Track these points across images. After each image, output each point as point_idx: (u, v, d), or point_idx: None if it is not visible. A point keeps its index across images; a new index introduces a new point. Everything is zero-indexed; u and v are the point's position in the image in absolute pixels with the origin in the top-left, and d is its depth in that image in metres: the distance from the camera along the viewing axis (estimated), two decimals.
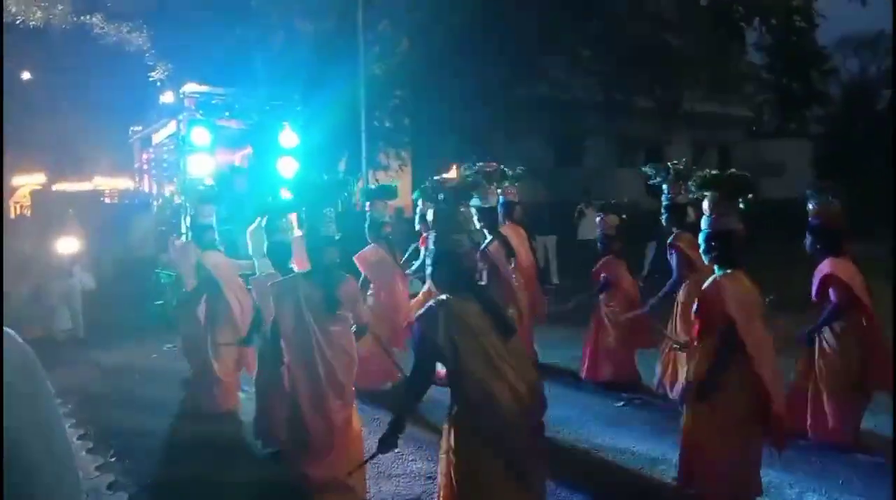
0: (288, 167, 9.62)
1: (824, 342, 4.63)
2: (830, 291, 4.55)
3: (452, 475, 2.75)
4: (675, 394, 5.24)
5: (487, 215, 5.87)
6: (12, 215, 12.08)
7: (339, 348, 3.80)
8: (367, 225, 6.32)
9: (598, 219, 6.56)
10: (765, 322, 3.55)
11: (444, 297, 2.80)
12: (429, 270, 2.93)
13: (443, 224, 2.94)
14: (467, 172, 5.96)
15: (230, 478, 4.51)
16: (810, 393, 4.67)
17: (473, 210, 5.65)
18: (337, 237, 3.96)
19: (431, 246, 2.89)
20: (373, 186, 6.79)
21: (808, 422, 4.67)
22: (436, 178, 6.06)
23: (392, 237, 6.50)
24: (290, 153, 9.74)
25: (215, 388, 5.70)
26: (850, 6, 14.87)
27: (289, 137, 9.81)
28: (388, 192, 6.52)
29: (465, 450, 2.73)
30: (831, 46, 25.12)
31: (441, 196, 4.02)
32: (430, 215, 2.98)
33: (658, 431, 5.08)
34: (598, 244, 6.49)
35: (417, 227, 6.49)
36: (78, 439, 5.35)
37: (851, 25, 21.77)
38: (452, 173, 3.85)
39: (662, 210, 5.60)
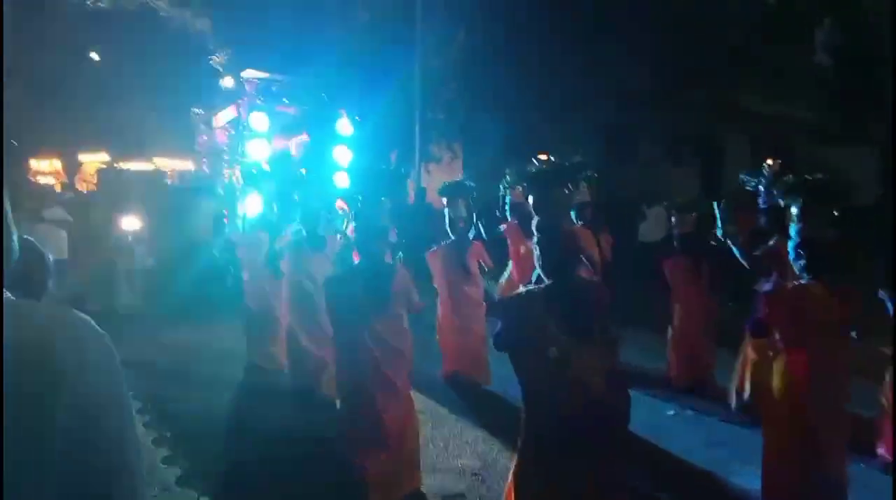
0: (343, 156, 9.72)
1: None
2: None
3: (512, 479, 2.74)
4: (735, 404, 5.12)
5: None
6: (81, 190, 12.50)
7: (389, 344, 3.75)
8: (447, 222, 6.23)
9: (672, 219, 6.40)
10: (835, 340, 3.35)
11: (532, 287, 2.73)
12: (537, 260, 2.80)
13: (543, 208, 2.90)
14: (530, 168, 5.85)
15: (284, 461, 4.54)
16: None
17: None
18: (391, 229, 3.92)
19: (536, 232, 2.78)
20: (449, 182, 6.68)
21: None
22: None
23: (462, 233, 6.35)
24: (345, 142, 9.84)
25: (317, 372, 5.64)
26: None
27: (345, 125, 9.90)
28: (466, 189, 6.40)
29: (528, 458, 2.69)
30: None
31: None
32: (530, 199, 2.88)
33: (712, 443, 4.96)
34: (675, 243, 6.28)
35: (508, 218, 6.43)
36: (135, 412, 5.53)
37: None
38: (545, 158, 3.80)
39: (760, 215, 5.35)
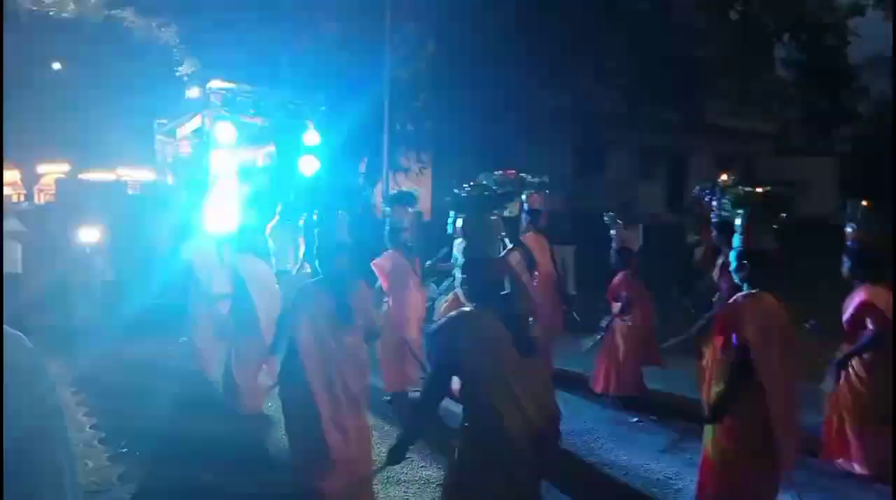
0: (309, 166, 9.65)
1: (852, 373, 4.48)
2: (868, 319, 4.38)
3: (450, 492, 2.74)
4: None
5: (509, 225, 5.74)
6: (37, 202, 12.22)
7: (355, 359, 3.72)
8: (387, 231, 6.29)
9: (612, 232, 6.40)
10: (792, 348, 3.40)
11: (465, 309, 2.76)
12: (457, 279, 2.86)
13: (472, 233, 2.87)
14: (486, 181, 5.89)
15: (238, 482, 4.43)
16: (835, 421, 4.58)
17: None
18: (349, 243, 3.83)
19: (460, 255, 2.82)
20: (393, 192, 6.76)
21: (829, 449, 4.59)
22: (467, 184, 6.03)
23: (411, 243, 6.44)
24: (312, 152, 9.77)
25: (238, 392, 5.67)
26: (885, 25, 14.64)
27: (312, 135, 9.84)
28: (408, 198, 6.48)
29: (467, 471, 2.68)
30: (863, 65, 24.72)
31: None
32: (458, 223, 2.91)
33: (672, 450, 5.00)
34: (612, 258, 6.36)
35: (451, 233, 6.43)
36: (90, 428, 5.39)
37: (884, 44, 21.42)
38: (480, 181, 3.78)
39: (713, 228, 5.41)
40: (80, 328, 8.58)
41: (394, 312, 6.05)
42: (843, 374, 4.52)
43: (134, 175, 12.94)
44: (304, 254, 4.24)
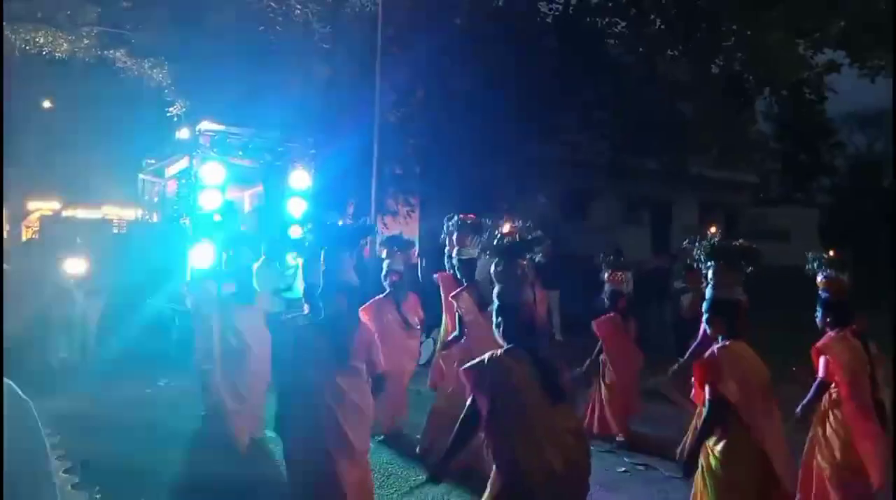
0: (297, 207, 9.69)
1: (828, 424, 4.43)
2: (819, 365, 4.39)
3: None
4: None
5: (467, 267, 5.80)
6: (23, 239, 12.11)
7: (351, 402, 3.61)
8: (383, 274, 6.39)
9: (606, 275, 6.53)
10: (770, 394, 3.44)
11: (497, 351, 2.86)
12: (495, 322, 2.99)
13: (505, 278, 3.01)
14: (448, 224, 5.97)
15: None
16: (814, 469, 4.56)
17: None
18: (354, 284, 3.79)
19: (495, 299, 2.98)
20: (387, 235, 6.82)
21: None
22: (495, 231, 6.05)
23: (398, 286, 6.46)
24: (300, 194, 9.81)
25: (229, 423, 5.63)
26: (860, 83, 15.12)
27: (300, 177, 9.90)
28: (403, 243, 6.55)
29: None
30: (839, 120, 25.48)
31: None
32: (492, 268, 3.04)
33: (661, 499, 4.95)
34: (606, 300, 6.48)
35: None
36: (64, 472, 5.22)
37: (859, 100, 22.10)
38: (507, 228, 3.84)
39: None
40: (59, 368, 8.43)
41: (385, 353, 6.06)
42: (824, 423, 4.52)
43: (120, 213, 12.89)
44: (304, 293, 4.20)
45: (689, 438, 5.14)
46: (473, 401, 2.86)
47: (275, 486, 4.64)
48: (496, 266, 3.08)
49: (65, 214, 12.09)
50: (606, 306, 6.47)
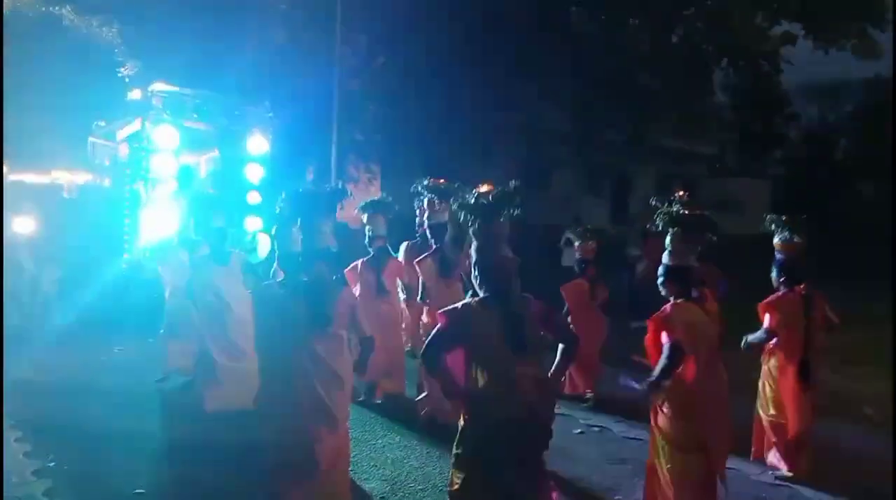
0: (255, 173, 9.50)
1: (768, 371, 4.91)
2: (765, 317, 4.83)
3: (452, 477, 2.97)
4: None
5: (437, 230, 5.92)
6: None
7: (328, 369, 3.57)
8: (367, 239, 6.43)
9: (576, 243, 6.82)
10: (717, 355, 3.64)
11: (472, 299, 3.09)
12: (475, 280, 3.13)
13: (485, 236, 3.13)
14: (419, 187, 6.06)
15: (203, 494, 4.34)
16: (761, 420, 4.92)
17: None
18: (333, 250, 3.76)
19: (474, 254, 3.12)
20: (369, 200, 6.77)
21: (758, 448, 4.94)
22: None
23: (382, 250, 6.49)
24: (257, 159, 9.61)
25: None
26: (814, 54, 15.41)
27: (257, 142, 9.68)
28: (385, 207, 6.54)
29: (464, 465, 2.90)
30: (793, 92, 25.96)
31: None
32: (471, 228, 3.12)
33: (615, 460, 5.08)
34: (576, 268, 6.76)
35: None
36: (15, 440, 5.12)
37: (813, 71, 22.54)
38: (484, 187, 3.85)
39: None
40: (7, 335, 8.19)
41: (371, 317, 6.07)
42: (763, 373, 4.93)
43: (70, 178, 12.44)
44: (279, 261, 4.11)
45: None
46: (438, 334, 3.03)
47: (245, 452, 4.61)
48: (473, 224, 3.17)
49: (12, 178, 11.61)
50: (576, 273, 6.72)
